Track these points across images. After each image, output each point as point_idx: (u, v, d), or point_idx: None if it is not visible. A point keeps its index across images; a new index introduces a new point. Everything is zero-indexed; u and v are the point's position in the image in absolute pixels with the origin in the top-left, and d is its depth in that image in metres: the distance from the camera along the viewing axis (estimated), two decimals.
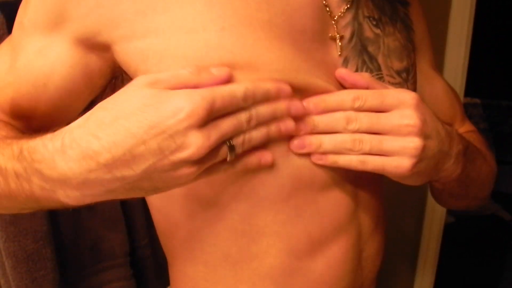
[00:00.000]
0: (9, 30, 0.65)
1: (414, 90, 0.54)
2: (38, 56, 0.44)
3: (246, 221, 0.46)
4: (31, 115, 0.47)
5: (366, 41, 0.48)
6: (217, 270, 0.48)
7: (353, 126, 0.42)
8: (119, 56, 0.42)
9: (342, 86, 0.46)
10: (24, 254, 0.73)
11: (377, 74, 0.48)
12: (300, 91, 0.42)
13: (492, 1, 2.44)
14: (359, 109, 0.43)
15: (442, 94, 0.64)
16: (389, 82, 0.49)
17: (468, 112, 2.73)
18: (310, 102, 0.43)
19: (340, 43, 0.46)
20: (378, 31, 0.49)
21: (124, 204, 0.89)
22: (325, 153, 0.43)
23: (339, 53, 0.46)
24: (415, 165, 0.42)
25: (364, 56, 0.47)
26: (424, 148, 0.42)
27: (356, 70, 0.47)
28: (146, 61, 0.40)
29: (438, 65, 1.39)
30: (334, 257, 0.48)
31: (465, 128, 0.68)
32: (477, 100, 2.72)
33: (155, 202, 0.51)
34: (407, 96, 0.43)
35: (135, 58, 0.41)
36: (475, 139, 0.63)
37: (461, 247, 1.93)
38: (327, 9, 0.45)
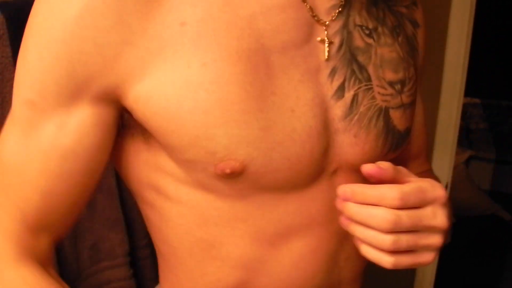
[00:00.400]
0: (9, 30, 0.65)
1: (410, 102, 0.53)
2: (61, 130, 0.42)
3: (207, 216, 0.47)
4: (63, 200, 0.45)
5: (356, 50, 0.48)
6: (184, 259, 0.50)
7: (392, 229, 0.41)
8: (125, 102, 0.43)
9: (321, 108, 0.45)
10: None
11: (366, 85, 0.48)
12: (262, 129, 0.42)
13: (492, 1, 2.44)
14: (401, 207, 0.42)
15: (419, 126, 0.64)
16: (378, 93, 0.49)
17: (468, 112, 2.73)
18: (348, 190, 0.43)
19: (328, 48, 0.46)
20: (370, 40, 0.49)
21: (124, 204, 0.89)
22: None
23: (326, 57, 0.46)
24: (435, 257, 0.45)
25: (353, 65, 0.47)
26: (443, 242, 0.45)
27: (344, 81, 0.47)
28: (138, 102, 0.41)
29: (438, 65, 1.40)
30: (299, 254, 0.49)
31: (425, 166, 0.69)
32: (477, 100, 2.72)
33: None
34: (441, 193, 0.44)
35: (134, 100, 0.42)
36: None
37: (461, 247, 1.94)
38: (315, 18, 0.46)
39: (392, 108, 0.50)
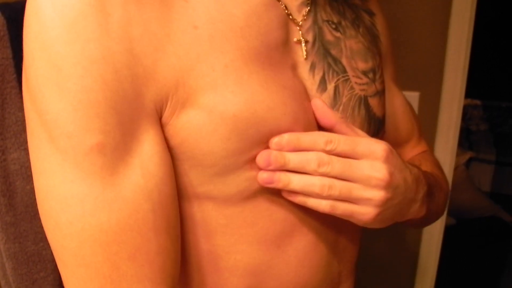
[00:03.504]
0: (9, 32, 0.65)
1: (383, 90, 0.55)
2: (142, 163, 0.37)
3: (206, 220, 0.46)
4: (176, 243, 0.41)
5: (327, 45, 0.49)
6: (191, 274, 0.49)
7: (324, 169, 0.43)
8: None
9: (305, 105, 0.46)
10: (24, 256, 0.73)
11: (343, 76, 0.49)
12: (291, 123, 0.43)
13: (493, 2, 2.44)
14: (330, 152, 0.44)
15: (401, 109, 0.65)
16: (356, 83, 0.50)
17: (469, 113, 2.73)
18: (283, 138, 0.43)
19: (305, 47, 0.47)
20: (338, 34, 0.50)
21: None
22: (293, 191, 0.44)
23: (305, 56, 0.47)
24: (379, 214, 0.45)
25: (328, 59, 0.49)
26: (388, 200, 0.45)
27: (324, 74, 0.48)
28: (171, 115, 0.40)
29: (439, 67, 1.40)
30: (304, 252, 0.49)
31: (421, 147, 0.70)
32: (478, 102, 2.72)
33: None
34: (378, 148, 0.44)
35: (169, 113, 0.40)
36: (431, 162, 0.65)
37: (461, 249, 1.93)
38: (290, 17, 0.47)
39: (370, 96, 0.52)
